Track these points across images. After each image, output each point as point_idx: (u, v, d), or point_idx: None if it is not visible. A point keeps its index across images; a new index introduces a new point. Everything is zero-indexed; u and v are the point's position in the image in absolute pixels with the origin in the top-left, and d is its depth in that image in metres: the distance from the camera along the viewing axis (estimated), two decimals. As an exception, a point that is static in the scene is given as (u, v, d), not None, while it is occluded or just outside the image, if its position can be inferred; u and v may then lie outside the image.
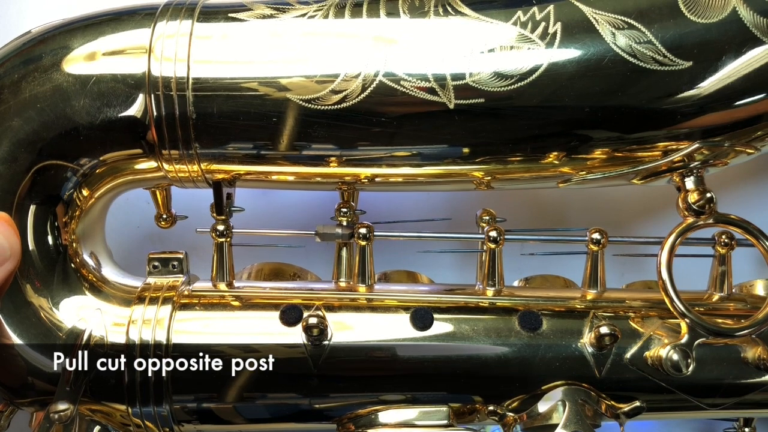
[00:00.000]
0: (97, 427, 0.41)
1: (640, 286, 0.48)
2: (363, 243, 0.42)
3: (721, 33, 0.36)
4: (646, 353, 0.40)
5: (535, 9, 0.37)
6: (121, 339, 0.40)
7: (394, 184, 0.42)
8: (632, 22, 0.36)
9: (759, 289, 0.46)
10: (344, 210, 0.44)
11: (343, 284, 0.43)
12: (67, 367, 0.39)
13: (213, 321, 0.41)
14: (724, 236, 0.43)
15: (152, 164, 0.40)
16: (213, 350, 0.40)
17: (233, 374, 0.39)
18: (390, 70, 0.37)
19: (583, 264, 0.43)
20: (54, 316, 0.40)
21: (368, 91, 0.37)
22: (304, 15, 0.39)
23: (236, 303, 0.41)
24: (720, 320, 0.40)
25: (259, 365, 0.39)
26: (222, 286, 0.43)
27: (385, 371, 0.40)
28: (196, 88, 0.38)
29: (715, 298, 0.44)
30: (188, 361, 0.39)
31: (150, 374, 0.39)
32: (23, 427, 0.42)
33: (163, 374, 0.39)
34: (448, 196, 0.54)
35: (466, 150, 0.39)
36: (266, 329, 0.40)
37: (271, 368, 0.39)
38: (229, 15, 0.39)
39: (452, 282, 0.47)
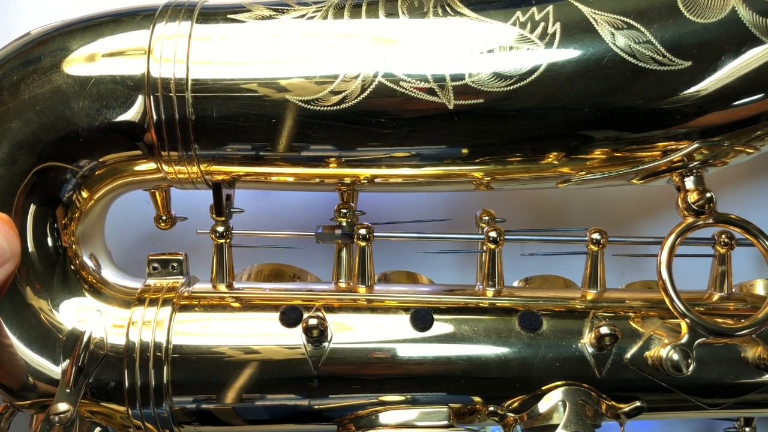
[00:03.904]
0: (98, 429, 0.41)
1: (640, 286, 0.48)
2: (363, 244, 0.42)
3: (720, 33, 0.36)
4: (647, 353, 0.40)
5: (534, 9, 0.37)
6: (121, 340, 0.40)
7: (393, 184, 0.42)
8: (631, 22, 0.36)
9: (759, 289, 0.46)
10: (344, 211, 0.44)
11: (343, 285, 0.43)
12: (68, 368, 0.39)
13: (213, 322, 0.41)
14: (723, 236, 0.43)
15: (151, 166, 0.40)
16: (213, 351, 0.40)
17: (233, 375, 0.39)
18: (389, 70, 0.37)
19: (583, 264, 0.43)
20: (54, 318, 0.40)
21: (368, 91, 0.37)
22: (303, 16, 0.39)
23: (236, 304, 0.41)
24: (720, 320, 0.40)
25: (259, 366, 0.39)
26: (222, 287, 0.43)
27: (386, 372, 0.40)
28: (196, 89, 0.38)
29: (715, 297, 0.44)
30: (188, 363, 0.39)
31: (150, 376, 0.39)
32: (23, 429, 0.42)
33: (163, 376, 0.39)
34: (448, 197, 0.54)
35: (465, 150, 0.39)
36: (266, 330, 0.40)
37: (271, 369, 0.39)
38: (228, 16, 0.39)
39: (452, 282, 0.47)
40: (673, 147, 0.38)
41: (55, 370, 0.39)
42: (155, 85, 0.38)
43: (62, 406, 0.37)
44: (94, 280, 0.42)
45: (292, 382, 0.40)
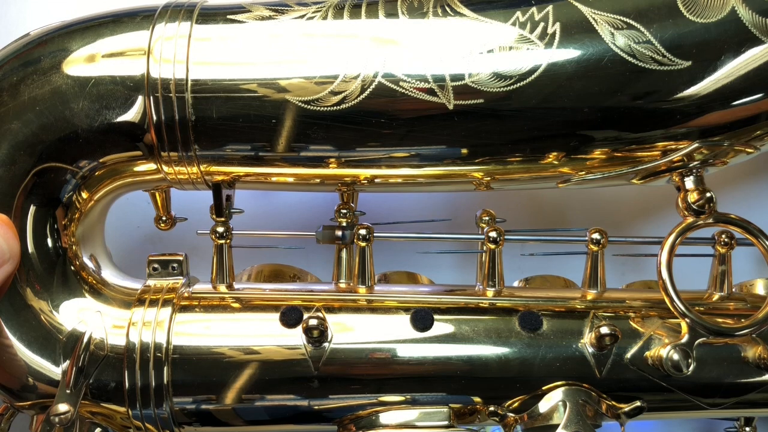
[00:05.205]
0: (98, 429, 0.41)
1: (640, 286, 0.48)
2: (363, 244, 0.42)
3: (720, 32, 0.36)
4: (647, 353, 0.40)
5: (533, 9, 0.37)
6: (121, 341, 0.40)
7: (393, 185, 0.42)
8: (631, 22, 0.36)
9: (759, 289, 0.46)
10: (344, 211, 0.44)
11: (343, 285, 0.43)
12: (68, 369, 0.39)
13: (213, 323, 0.41)
14: (724, 236, 0.43)
15: (151, 166, 0.40)
16: (213, 352, 0.40)
17: (233, 376, 0.39)
18: (389, 71, 0.37)
19: (583, 264, 0.43)
20: (54, 319, 0.40)
21: (367, 92, 0.37)
22: (302, 16, 0.39)
23: (236, 305, 0.41)
24: (720, 320, 0.40)
25: (259, 367, 0.39)
26: (222, 287, 0.43)
27: (386, 372, 0.40)
28: (195, 89, 0.38)
29: (715, 297, 0.44)
30: (188, 363, 0.39)
31: (150, 376, 0.39)
32: (24, 430, 0.42)
33: (164, 376, 0.39)
34: (448, 197, 0.54)
35: (465, 150, 0.39)
36: (266, 331, 0.40)
37: (271, 370, 0.39)
38: (228, 17, 0.39)
39: (452, 283, 0.47)
40: (673, 147, 0.38)
41: (55, 371, 0.39)
42: (155, 85, 0.38)
43: (62, 407, 0.37)
44: (94, 281, 0.42)
45: (293, 383, 0.40)
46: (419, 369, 0.40)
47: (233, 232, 0.43)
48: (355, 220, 0.44)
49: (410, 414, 0.40)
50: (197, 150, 0.39)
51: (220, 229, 0.43)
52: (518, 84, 0.37)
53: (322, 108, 0.38)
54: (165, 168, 0.40)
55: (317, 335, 0.39)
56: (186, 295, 0.42)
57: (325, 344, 0.40)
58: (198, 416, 0.40)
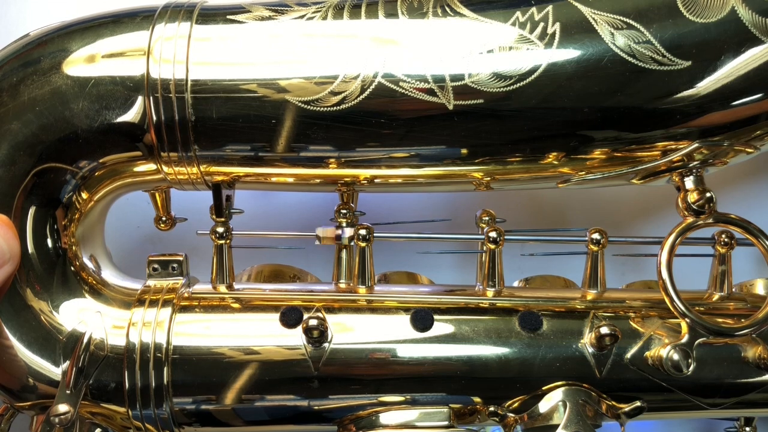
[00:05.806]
0: (98, 430, 0.41)
1: (640, 286, 0.48)
2: (363, 244, 0.42)
3: (719, 32, 0.36)
4: (647, 353, 0.40)
5: (533, 9, 0.37)
6: (121, 341, 0.40)
7: (393, 185, 0.42)
8: (631, 22, 0.36)
9: (759, 289, 0.46)
10: (344, 211, 0.44)
11: (343, 285, 0.43)
12: (68, 369, 0.39)
13: (213, 323, 0.41)
14: (724, 236, 0.43)
15: (151, 167, 0.40)
16: (213, 352, 0.40)
17: (233, 376, 0.39)
18: (389, 71, 0.37)
19: (583, 264, 0.43)
20: (54, 319, 0.40)
21: (367, 92, 0.37)
22: (302, 17, 0.39)
23: (236, 305, 0.41)
24: (720, 320, 0.40)
25: (259, 367, 0.39)
26: (222, 288, 0.43)
27: (386, 372, 0.40)
28: (195, 90, 0.38)
29: (715, 297, 0.44)
30: (188, 364, 0.39)
31: (150, 377, 0.39)
32: (24, 430, 0.42)
33: (164, 376, 0.39)
34: (447, 197, 0.54)
35: (465, 151, 0.39)
36: (266, 331, 0.40)
37: (271, 370, 0.39)
38: (228, 17, 0.39)
39: (452, 283, 0.47)
40: (673, 147, 0.38)
41: (55, 372, 0.39)
42: (155, 85, 0.38)
43: (62, 408, 0.37)
44: (94, 282, 0.42)
45: (293, 383, 0.40)
46: (419, 369, 0.40)
47: (233, 232, 0.43)
48: (355, 220, 0.44)
49: (410, 414, 0.40)
50: (197, 150, 0.39)
51: (220, 230, 0.43)
52: (518, 84, 0.37)
53: (322, 108, 0.38)
54: (165, 168, 0.40)
55: (317, 335, 0.39)
56: (186, 295, 0.42)
57: (325, 344, 0.40)
58: (198, 416, 0.40)
